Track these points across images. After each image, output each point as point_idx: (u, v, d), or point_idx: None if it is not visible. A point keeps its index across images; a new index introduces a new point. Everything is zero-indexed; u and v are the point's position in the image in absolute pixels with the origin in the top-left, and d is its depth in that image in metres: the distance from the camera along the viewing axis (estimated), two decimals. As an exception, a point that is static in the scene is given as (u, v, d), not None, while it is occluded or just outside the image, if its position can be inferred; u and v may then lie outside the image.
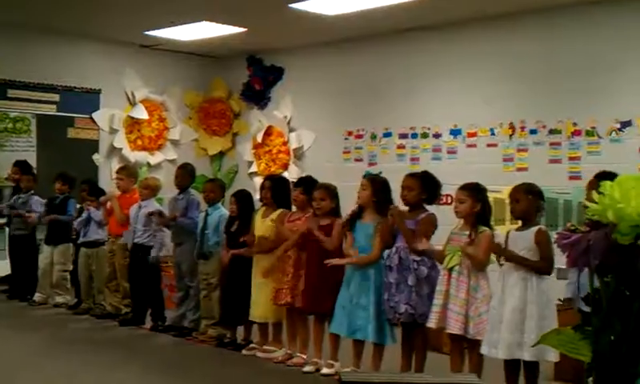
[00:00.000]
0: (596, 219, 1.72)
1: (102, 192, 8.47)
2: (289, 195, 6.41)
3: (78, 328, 7.71)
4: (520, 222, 4.99)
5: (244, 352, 6.55)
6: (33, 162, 9.90)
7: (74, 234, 8.67)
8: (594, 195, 1.71)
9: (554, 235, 4.94)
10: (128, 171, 8.27)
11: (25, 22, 9.82)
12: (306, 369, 5.96)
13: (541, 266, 4.71)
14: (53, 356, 6.48)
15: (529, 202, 4.86)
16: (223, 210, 7.01)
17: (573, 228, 1.79)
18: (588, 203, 1.73)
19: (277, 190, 6.45)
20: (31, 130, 10.39)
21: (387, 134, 9.75)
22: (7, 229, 9.37)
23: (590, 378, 1.77)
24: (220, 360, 6.47)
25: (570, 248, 1.75)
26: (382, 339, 5.59)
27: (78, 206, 8.57)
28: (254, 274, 6.44)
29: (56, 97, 10.57)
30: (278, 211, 6.37)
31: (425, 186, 5.51)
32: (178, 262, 7.34)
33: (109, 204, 8.05)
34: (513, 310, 4.68)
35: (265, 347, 6.49)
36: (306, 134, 10.73)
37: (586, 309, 1.84)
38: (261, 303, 6.35)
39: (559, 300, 5.87)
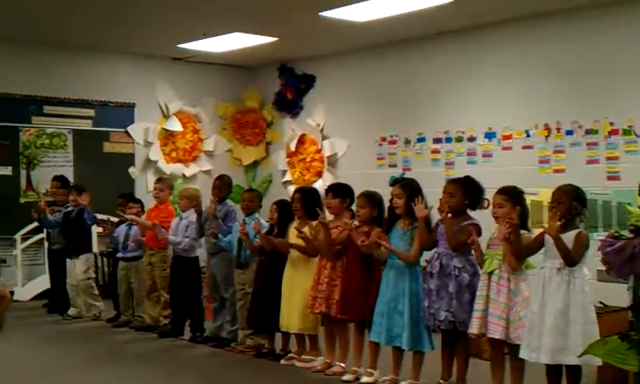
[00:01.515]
0: (641, 225, 1.67)
1: (140, 202, 8.53)
2: (320, 205, 6.36)
3: (118, 340, 7.76)
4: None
5: (282, 362, 6.53)
6: (70, 176, 10.03)
7: (110, 247, 8.76)
8: (639, 200, 1.66)
9: (594, 237, 4.88)
10: (166, 183, 8.34)
11: (57, 38, 9.97)
12: (346, 378, 5.91)
13: (566, 253, 4.62)
14: (92, 369, 6.52)
15: (571, 206, 4.77)
16: (261, 221, 7.01)
17: (616, 234, 1.75)
18: (632, 209, 1.69)
19: (307, 201, 6.41)
20: (67, 146, 10.53)
21: (421, 139, 9.71)
22: (47, 243, 9.48)
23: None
24: (259, 370, 6.46)
25: (615, 255, 1.71)
26: (419, 346, 5.54)
27: (117, 219, 8.64)
28: (284, 284, 6.43)
29: (91, 112, 10.72)
30: (313, 223, 6.32)
31: (467, 191, 5.43)
32: (213, 273, 7.36)
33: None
34: (556, 314, 4.60)
35: (303, 357, 6.47)
36: (339, 141, 10.72)
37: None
38: (295, 313, 6.33)
39: (600, 303, 5.80)
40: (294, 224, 6.46)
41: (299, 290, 6.31)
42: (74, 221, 8.70)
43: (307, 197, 6.48)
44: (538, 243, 4.89)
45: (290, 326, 6.42)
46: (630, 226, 1.70)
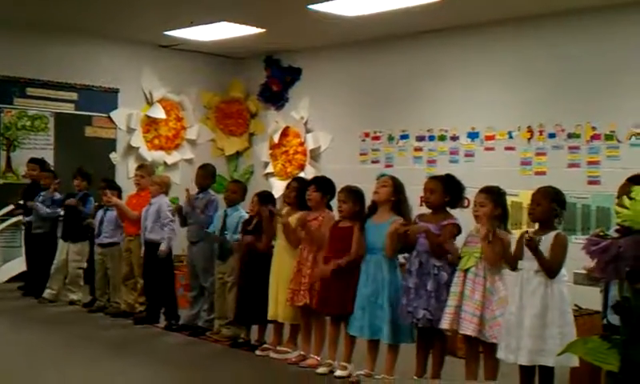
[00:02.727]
0: (627, 225, 1.66)
1: (119, 189, 8.48)
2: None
3: (93, 326, 7.72)
4: (537, 225, 4.93)
5: (258, 352, 6.53)
6: (50, 159, 9.96)
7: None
8: (625, 200, 1.65)
9: (572, 240, 4.89)
10: (147, 170, 8.31)
11: (43, 20, 9.87)
12: (320, 370, 5.92)
13: (548, 266, 4.63)
14: (66, 353, 6.50)
15: (550, 207, 4.79)
16: (242, 212, 7.00)
17: (602, 234, 1.74)
18: (619, 209, 1.68)
19: (303, 192, 6.40)
20: (49, 128, 10.44)
21: (404, 136, 9.72)
22: (23, 227, 9.41)
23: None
24: (233, 360, 6.45)
25: (600, 254, 1.70)
26: (399, 339, 5.54)
27: (96, 204, 8.59)
28: (272, 273, 6.41)
29: (74, 95, 10.63)
30: (299, 213, 6.32)
31: (448, 189, 5.43)
32: (193, 261, 7.34)
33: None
34: (533, 316, 4.61)
35: (278, 348, 6.46)
36: (322, 135, 10.71)
37: (614, 320, 1.78)
38: (282, 302, 6.31)
39: (575, 305, 5.83)
40: (284, 210, 6.45)
41: (285, 280, 6.30)
42: (75, 206, 8.64)
43: (304, 188, 6.47)
44: (521, 248, 4.86)
45: (278, 315, 6.39)
46: (616, 226, 1.70)
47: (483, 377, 5.04)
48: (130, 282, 8.02)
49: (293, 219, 6.28)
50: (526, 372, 4.78)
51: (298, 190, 6.43)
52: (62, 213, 8.86)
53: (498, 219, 5.09)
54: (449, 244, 5.29)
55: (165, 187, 7.68)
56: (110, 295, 8.31)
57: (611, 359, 1.71)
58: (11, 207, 9.62)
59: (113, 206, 8.06)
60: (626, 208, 1.65)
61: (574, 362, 4.57)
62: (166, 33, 10.17)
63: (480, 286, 4.99)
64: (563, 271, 4.70)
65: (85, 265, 8.74)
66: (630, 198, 1.64)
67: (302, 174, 10.21)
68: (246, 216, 6.87)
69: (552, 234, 4.76)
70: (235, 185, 7.43)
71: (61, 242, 8.76)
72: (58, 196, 8.90)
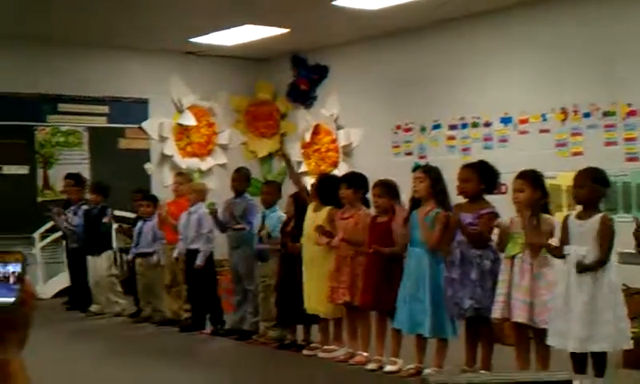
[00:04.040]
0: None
1: (155, 198, 8.55)
2: (336, 193, 6.33)
3: (140, 335, 7.80)
4: (580, 208, 4.88)
5: (305, 352, 6.54)
6: (87, 174, 10.06)
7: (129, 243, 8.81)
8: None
9: (614, 220, 4.84)
10: (185, 177, 8.44)
11: (71, 37, 9.98)
12: (369, 367, 5.92)
13: (597, 261, 4.59)
14: (115, 364, 6.56)
15: (593, 189, 4.74)
16: (280, 212, 7.02)
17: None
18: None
19: (322, 187, 6.40)
20: (83, 143, 10.56)
21: (436, 126, 9.67)
22: (64, 242, 9.52)
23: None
24: (282, 361, 6.48)
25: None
26: (442, 333, 5.53)
27: (134, 215, 8.67)
28: (304, 267, 6.42)
29: (105, 109, 10.73)
30: (327, 209, 6.32)
31: (482, 176, 5.40)
32: (235, 266, 7.37)
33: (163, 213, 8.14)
34: (583, 303, 4.57)
35: (326, 347, 6.47)
36: (354, 130, 10.70)
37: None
38: (314, 296, 6.32)
39: (623, 285, 5.76)
40: (312, 207, 6.46)
41: (317, 272, 6.29)
42: (95, 219, 8.74)
43: (323, 183, 6.48)
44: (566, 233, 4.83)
45: (319, 310, 6.35)
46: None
47: (536, 364, 5.00)
48: (174, 289, 8.08)
49: (320, 216, 6.29)
50: (578, 358, 4.74)
51: (318, 186, 6.44)
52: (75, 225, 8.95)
53: (538, 203, 5.03)
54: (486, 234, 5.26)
55: (203, 195, 7.73)
56: (154, 304, 8.39)
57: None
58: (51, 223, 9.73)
59: (162, 220, 8.09)
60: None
61: (629, 344, 4.53)
62: (190, 39, 10.22)
63: (527, 272, 4.95)
64: (611, 255, 4.66)
65: (116, 271, 8.83)
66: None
67: (335, 171, 10.21)
68: (284, 217, 6.89)
69: (597, 216, 4.71)
70: (269, 186, 7.47)
71: (88, 258, 8.86)
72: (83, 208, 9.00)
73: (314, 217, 6.37)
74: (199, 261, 7.47)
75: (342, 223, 6.18)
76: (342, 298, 6.09)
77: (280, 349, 6.75)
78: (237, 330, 7.33)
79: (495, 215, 5.32)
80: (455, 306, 5.32)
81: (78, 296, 9.10)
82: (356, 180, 6.30)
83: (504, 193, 6.49)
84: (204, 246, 7.51)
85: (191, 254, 7.62)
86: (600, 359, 4.70)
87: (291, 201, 6.77)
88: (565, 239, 4.80)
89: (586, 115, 8.18)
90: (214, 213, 7.39)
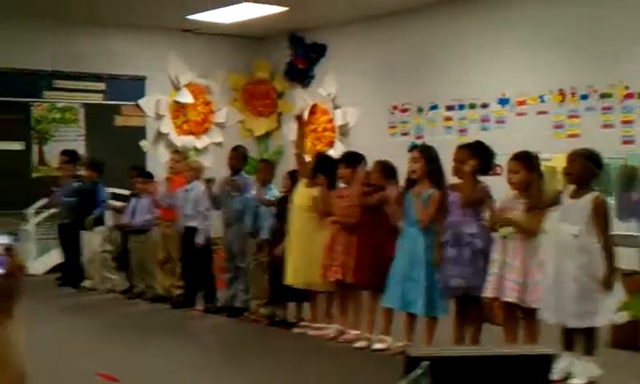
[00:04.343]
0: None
1: (151, 175, 8.53)
2: (332, 172, 6.30)
3: (132, 311, 7.79)
4: (572, 187, 4.85)
5: (295, 330, 6.53)
6: (82, 150, 10.02)
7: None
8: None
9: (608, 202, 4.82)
10: (182, 154, 8.43)
11: (68, 13, 9.91)
12: (358, 344, 5.90)
13: (604, 248, 4.58)
14: (107, 340, 6.55)
15: (585, 165, 4.71)
16: (275, 191, 7.01)
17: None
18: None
19: (319, 165, 6.38)
20: (79, 120, 10.51)
21: (433, 107, 9.62)
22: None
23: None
24: (272, 339, 6.47)
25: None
26: (433, 312, 5.51)
27: (129, 192, 8.65)
28: (292, 238, 6.38)
29: (102, 85, 10.68)
30: (320, 187, 6.29)
31: (478, 157, 5.37)
32: (229, 243, 7.35)
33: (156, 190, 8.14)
34: (576, 280, 4.57)
35: (316, 325, 6.45)
36: (351, 110, 10.64)
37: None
38: (302, 269, 6.29)
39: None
40: (303, 182, 6.44)
41: (311, 247, 6.26)
42: (87, 195, 8.72)
43: (319, 161, 6.46)
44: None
45: (314, 284, 6.30)
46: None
47: (523, 341, 4.99)
48: (167, 266, 8.08)
49: (313, 193, 6.28)
50: (569, 333, 4.74)
51: (317, 163, 6.45)
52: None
53: (532, 184, 5.01)
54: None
55: (200, 173, 7.70)
56: (147, 281, 8.37)
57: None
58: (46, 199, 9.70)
59: (151, 196, 8.08)
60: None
61: (624, 318, 4.53)
62: (188, 17, 10.15)
63: (520, 252, 4.93)
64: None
65: (109, 247, 8.81)
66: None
67: (330, 151, 10.17)
68: (279, 195, 6.87)
69: (588, 196, 4.68)
70: (264, 164, 7.49)
71: (81, 233, 8.84)
72: (76, 185, 8.95)
73: (307, 192, 6.36)
74: (200, 239, 7.44)
75: (337, 201, 6.17)
76: (334, 276, 6.08)
77: (271, 326, 6.74)
78: (228, 307, 7.32)
79: (487, 189, 5.30)
80: (446, 285, 5.30)
81: (70, 272, 9.09)
82: (352, 157, 6.27)
83: (499, 174, 6.46)
84: (202, 224, 7.49)
85: (188, 231, 7.60)
86: (590, 335, 4.69)
87: (288, 177, 6.78)
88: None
89: (584, 97, 8.13)
90: (209, 185, 7.36)
